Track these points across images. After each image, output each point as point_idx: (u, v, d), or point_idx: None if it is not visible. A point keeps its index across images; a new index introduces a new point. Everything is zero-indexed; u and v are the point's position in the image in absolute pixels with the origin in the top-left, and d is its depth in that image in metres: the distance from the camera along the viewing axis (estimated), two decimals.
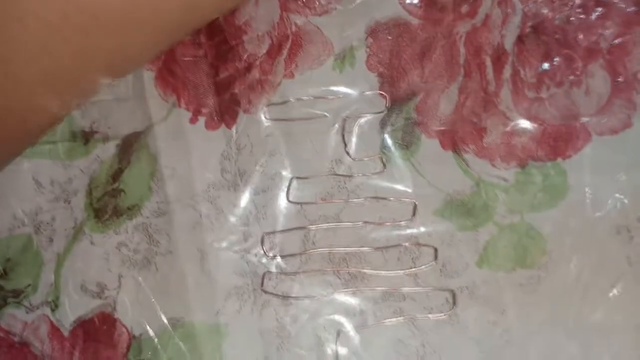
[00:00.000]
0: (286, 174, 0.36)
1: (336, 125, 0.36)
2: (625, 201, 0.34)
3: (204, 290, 0.36)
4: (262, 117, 0.36)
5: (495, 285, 0.34)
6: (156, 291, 0.36)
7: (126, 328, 0.36)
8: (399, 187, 0.35)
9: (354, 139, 0.36)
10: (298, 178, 0.36)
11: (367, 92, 0.35)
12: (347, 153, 0.35)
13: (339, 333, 0.35)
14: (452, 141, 0.35)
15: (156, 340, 0.36)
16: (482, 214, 0.35)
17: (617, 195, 0.34)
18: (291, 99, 0.35)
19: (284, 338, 0.35)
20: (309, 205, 0.36)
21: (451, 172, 0.35)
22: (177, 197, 0.36)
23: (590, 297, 0.34)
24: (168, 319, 0.36)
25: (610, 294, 0.34)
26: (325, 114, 0.35)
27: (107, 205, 0.36)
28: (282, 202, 0.36)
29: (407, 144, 0.35)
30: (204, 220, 0.36)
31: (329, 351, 0.35)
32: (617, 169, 0.34)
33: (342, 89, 0.35)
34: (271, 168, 0.36)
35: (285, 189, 0.36)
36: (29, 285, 0.37)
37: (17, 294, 0.37)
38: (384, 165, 0.35)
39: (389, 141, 0.35)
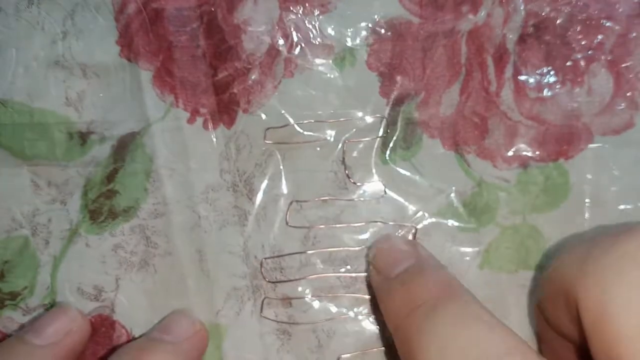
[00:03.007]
0: (285, 197, 0.35)
1: (337, 149, 0.35)
2: (627, 202, 0.33)
3: (203, 292, 0.36)
4: (262, 139, 0.35)
5: (498, 287, 0.34)
6: (155, 292, 0.36)
7: (125, 329, 0.36)
8: (392, 209, 0.35)
9: (354, 163, 0.35)
10: (297, 201, 0.35)
11: (368, 117, 0.35)
12: (348, 176, 0.35)
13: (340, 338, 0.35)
14: (453, 141, 0.35)
15: None
16: (484, 215, 0.34)
17: (619, 195, 0.34)
18: (290, 122, 0.35)
19: (284, 340, 0.35)
20: (310, 221, 0.36)
21: (453, 172, 0.35)
22: (175, 198, 0.36)
23: None
24: None
25: None
26: (327, 137, 0.35)
27: (102, 206, 0.36)
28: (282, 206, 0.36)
29: (408, 144, 0.35)
30: (203, 221, 0.36)
31: (330, 354, 0.35)
32: (619, 169, 0.34)
33: (346, 111, 0.35)
34: (271, 180, 0.36)
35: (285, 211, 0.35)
36: (26, 287, 0.37)
37: (14, 296, 0.37)
38: (385, 190, 0.35)
39: (390, 160, 0.35)
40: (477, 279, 0.34)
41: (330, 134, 0.35)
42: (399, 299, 0.28)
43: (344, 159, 0.35)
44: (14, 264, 0.37)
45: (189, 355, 0.32)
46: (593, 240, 0.26)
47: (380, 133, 0.35)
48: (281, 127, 0.35)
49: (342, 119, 0.35)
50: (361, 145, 0.35)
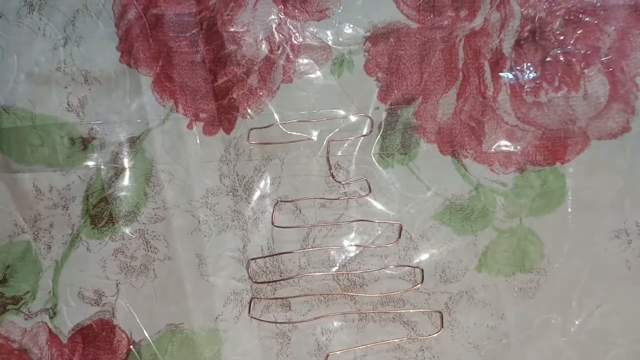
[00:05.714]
0: (270, 197, 0.36)
1: (321, 148, 0.35)
2: (624, 205, 0.34)
3: (202, 296, 0.36)
4: (245, 142, 0.36)
5: (495, 289, 0.34)
6: (155, 297, 0.36)
7: (125, 334, 0.36)
8: (385, 209, 0.35)
9: (339, 162, 0.35)
10: (283, 201, 0.36)
11: (352, 116, 0.35)
12: (332, 176, 0.35)
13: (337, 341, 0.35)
14: (450, 146, 0.35)
15: (155, 345, 0.36)
16: (481, 218, 0.35)
17: (615, 199, 0.34)
18: (276, 121, 0.35)
19: (283, 344, 0.35)
20: (301, 221, 0.36)
21: (450, 176, 0.35)
22: (175, 203, 0.36)
23: (588, 301, 0.34)
24: (167, 325, 0.36)
25: (609, 298, 0.34)
26: (311, 137, 0.35)
27: (103, 211, 0.36)
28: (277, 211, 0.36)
29: (405, 149, 0.35)
30: (202, 226, 0.36)
31: (328, 357, 0.35)
32: (615, 173, 0.34)
33: (331, 110, 0.35)
34: (270, 184, 0.36)
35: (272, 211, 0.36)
36: (28, 292, 0.37)
37: (16, 300, 0.37)
38: (370, 188, 0.35)
39: (375, 161, 0.35)
40: (475, 281, 0.35)
41: (315, 134, 0.35)
42: None
43: (328, 158, 0.35)
44: (16, 268, 0.37)
45: None
46: None
47: (365, 132, 0.35)
48: (265, 127, 0.35)
49: (324, 119, 0.35)
50: (345, 145, 0.35)
